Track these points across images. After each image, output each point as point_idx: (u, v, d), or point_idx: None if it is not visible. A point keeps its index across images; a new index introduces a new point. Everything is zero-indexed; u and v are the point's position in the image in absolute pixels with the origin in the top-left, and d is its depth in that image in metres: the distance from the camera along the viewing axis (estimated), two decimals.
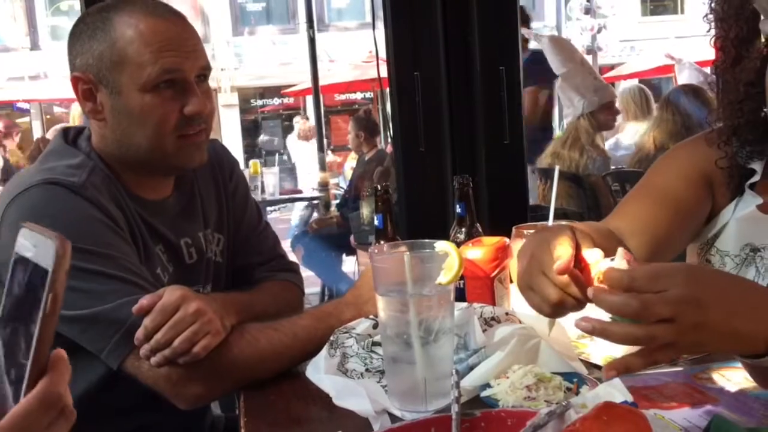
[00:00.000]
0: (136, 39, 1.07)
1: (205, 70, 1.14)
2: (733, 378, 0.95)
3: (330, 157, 7.95)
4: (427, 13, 2.12)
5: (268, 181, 5.86)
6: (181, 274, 1.17)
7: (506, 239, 1.19)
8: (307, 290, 1.41)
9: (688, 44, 8.53)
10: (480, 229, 1.35)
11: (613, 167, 3.68)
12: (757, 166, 1.12)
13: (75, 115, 4.19)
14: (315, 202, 5.93)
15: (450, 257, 0.91)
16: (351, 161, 6.31)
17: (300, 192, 6.25)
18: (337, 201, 5.43)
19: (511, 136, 2.11)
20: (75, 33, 1.12)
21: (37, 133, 12.79)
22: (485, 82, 2.14)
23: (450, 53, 2.15)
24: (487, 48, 2.14)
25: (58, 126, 4.71)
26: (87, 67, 1.10)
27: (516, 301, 1.13)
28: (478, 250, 1.13)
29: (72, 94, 1.15)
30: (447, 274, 0.91)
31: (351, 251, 4.52)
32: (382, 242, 1.18)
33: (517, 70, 2.16)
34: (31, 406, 0.52)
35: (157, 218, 1.17)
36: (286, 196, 5.91)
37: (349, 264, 4.68)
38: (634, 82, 8.26)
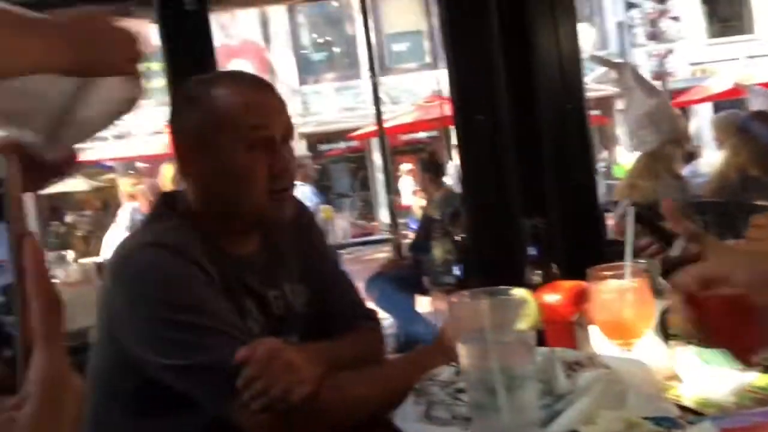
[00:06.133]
0: (233, 106, 1.19)
1: (288, 131, 1.24)
2: None
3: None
4: (486, 56, 2.16)
5: (338, 225, 5.99)
6: (270, 326, 1.24)
7: (583, 282, 1.20)
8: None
9: (761, 64, 8.22)
10: (557, 271, 1.35)
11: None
12: None
13: (168, 176, 4.31)
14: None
15: (527, 303, 0.94)
16: (422, 201, 6.32)
17: (371, 234, 6.32)
18: (408, 242, 5.46)
19: (581, 175, 2.11)
20: (176, 101, 1.24)
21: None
22: (551, 121, 2.15)
23: (513, 94, 2.18)
24: (551, 87, 2.16)
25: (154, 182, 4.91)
26: (188, 131, 1.22)
27: (599, 345, 1.14)
28: (555, 295, 1.14)
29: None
30: (525, 319, 0.93)
31: (424, 292, 4.53)
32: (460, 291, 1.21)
33: (582, 108, 2.17)
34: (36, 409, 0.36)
35: (247, 272, 1.25)
36: (357, 240, 5.99)
37: (423, 305, 4.69)
38: (708, 106, 7.99)
